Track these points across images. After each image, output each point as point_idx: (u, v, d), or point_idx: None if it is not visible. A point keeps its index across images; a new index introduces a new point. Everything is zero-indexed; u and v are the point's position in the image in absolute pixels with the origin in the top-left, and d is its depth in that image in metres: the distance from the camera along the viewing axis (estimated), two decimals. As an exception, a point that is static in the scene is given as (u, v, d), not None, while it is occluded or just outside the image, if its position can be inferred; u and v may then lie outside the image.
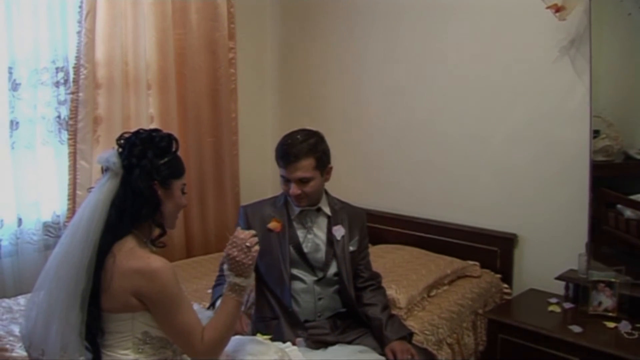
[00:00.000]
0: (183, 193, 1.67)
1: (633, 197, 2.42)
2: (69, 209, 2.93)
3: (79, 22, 2.82)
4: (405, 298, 2.40)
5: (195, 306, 2.28)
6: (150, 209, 1.58)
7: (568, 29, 2.50)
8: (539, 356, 2.24)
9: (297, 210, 2.13)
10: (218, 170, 3.46)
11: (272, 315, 2.08)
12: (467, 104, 2.91)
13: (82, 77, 2.85)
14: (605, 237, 2.49)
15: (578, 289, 2.46)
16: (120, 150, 1.58)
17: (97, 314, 1.53)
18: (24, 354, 1.78)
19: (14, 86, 2.76)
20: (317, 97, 3.58)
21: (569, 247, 2.53)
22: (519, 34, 2.69)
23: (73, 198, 2.92)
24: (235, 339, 1.76)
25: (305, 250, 2.12)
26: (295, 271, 2.09)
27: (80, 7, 2.81)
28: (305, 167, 2.02)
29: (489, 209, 2.87)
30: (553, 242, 2.66)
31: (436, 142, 3.05)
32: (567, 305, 2.44)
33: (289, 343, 1.90)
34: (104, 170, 1.58)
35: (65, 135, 2.94)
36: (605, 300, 2.32)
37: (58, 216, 3.01)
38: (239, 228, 1.71)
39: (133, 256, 1.52)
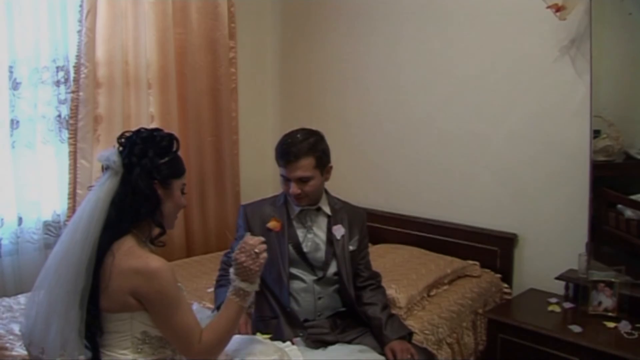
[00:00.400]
0: (183, 193, 1.67)
1: (633, 197, 2.41)
2: (69, 208, 2.93)
3: (80, 21, 2.83)
4: (405, 297, 2.40)
5: (195, 305, 2.29)
6: (150, 208, 1.58)
7: (568, 29, 2.50)
8: (539, 356, 2.23)
9: (296, 209, 2.13)
10: (218, 169, 3.46)
11: (272, 315, 2.08)
12: (467, 104, 2.91)
13: (83, 76, 2.86)
14: (606, 237, 2.48)
15: (578, 289, 2.46)
16: (120, 149, 1.59)
17: (96, 313, 1.53)
18: (24, 352, 1.79)
19: (15, 85, 2.77)
20: (317, 96, 3.58)
21: (569, 246, 2.53)
22: (519, 34, 2.69)
23: (73, 197, 2.92)
24: (234, 338, 1.76)
25: (305, 249, 2.12)
26: (294, 270, 2.09)
27: (81, 6, 2.82)
28: (305, 166, 2.02)
29: (489, 208, 2.87)
30: (553, 241, 2.66)
31: (436, 142, 3.05)
32: (567, 305, 2.44)
33: (288, 342, 1.90)
34: (104, 168, 1.58)
35: (65, 134, 2.94)
36: (605, 300, 2.32)
37: (58, 215, 3.01)
38: (248, 234, 1.72)
39: (132, 255, 1.52)
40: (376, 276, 2.24)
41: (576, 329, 2.21)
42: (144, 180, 1.56)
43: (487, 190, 2.88)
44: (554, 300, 2.49)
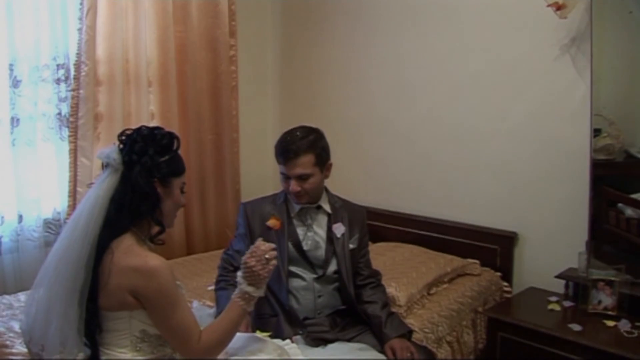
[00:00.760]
0: (182, 192, 1.67)
1: (634, 195, 2.41)
2: (69, 206, 2.93)
3: (80, 19, 2.83)
4: (405, 296, 2.40)
5: (195, 303, 2.29)
6: (150, 206, 1.58)
7: (569, 27, 2.49)
8: (539, 354, 2.23)
9: (297, 207, 2.13)
10: (219, 167, 3.46)
11: (272, 313, 2.08)
12: (468, 103, 2.91)
13: (83, 74, 2.86)
14: (606, 235, 2.48)
15: (578, 288, 2.46)
16: (121, 146, 1.59)
17: (95, 311, 1.53)
18: (24, 350, 1.79)
19: (15, 83, 2.76)
20: (318, 94, 3.58)
21: (569, 245, 2.53)
22: (519, 33, 2.68)
23: (73, 195, 2.92)
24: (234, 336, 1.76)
25: (305, 247, 2.12)
26: (294, 269, 2.10)
27: (81, 4, 2.82)
28: (305, 163, 2.02)
29: (490, 207, 2.87)
30: (553, 240, 2.66)
31: (436, 141, 3.05)
32: (567, 303, 2.44)
33: (288, 340, 1.90)
34: (104, 166, 1.58)
35: (65, 132, 2.94)
36: (605, 299, 2.32)
37: (58, 213, 3.01)
38: (260, 239, 1.73)
39: (131, 254, 1.52)
40: (376, 274, 2.24)
41: (576, 327, 2.21)
42: (144, 178, 1.56)
43: (487, 189, 2.87)
44: (553, 298, 2.48)
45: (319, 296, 2.11)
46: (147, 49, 3.09)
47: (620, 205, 2.45)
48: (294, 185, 2.04)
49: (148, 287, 1.50)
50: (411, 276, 2.55)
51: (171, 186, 1.62)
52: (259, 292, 1.66)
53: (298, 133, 2.05)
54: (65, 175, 2.93)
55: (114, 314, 1.53)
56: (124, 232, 1.55)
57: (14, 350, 1.94)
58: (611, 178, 2.49)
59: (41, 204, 2.95)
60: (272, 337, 1.89)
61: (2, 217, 2.85)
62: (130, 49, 3.03)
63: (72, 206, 2.90)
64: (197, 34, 3.27)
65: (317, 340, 2.02)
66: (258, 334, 1.88)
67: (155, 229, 1.63)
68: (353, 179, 3.30)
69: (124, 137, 1.61)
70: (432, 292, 2.58)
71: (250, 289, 1.64)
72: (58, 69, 2.88)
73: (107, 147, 1.59)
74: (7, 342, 1.99)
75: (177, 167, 1.64)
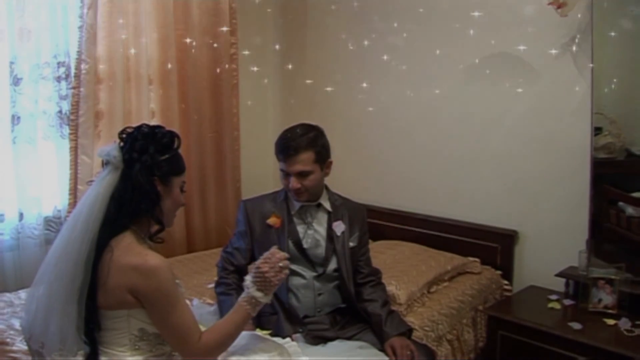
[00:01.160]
0: (182, 191, 1.67)
1: (635, 194, 2.41)
2: (70, 204, 2.92)
3: (81, 16, 2.82)
4: (405, 294, 2.40)
5: (195, 301, 2.29)
6: (150, 205, 1.58)
7: (570, 25, 2.49)
8: (539, 353, 2.24)
9: (297, 205, 2.13)
10: (219, 165, 3.46)
11: (271, 311, 2.08)
12: (468, 101, 2.91)
13: (84, 72, 2.85)
14: (606, 234, 2.48)
15: (578, 286, 2.46)
16: (121, 144, 1.59)
17: (94, 309, 1.53)
18: (25, 347, 1.79)
19: (16, 81, 2.76)
20: (318, 92, 3.57)
21: (569, 243, 2.53)
22: (520, 30, 2.68)
23: (74, 193, 2.92)
24: None
25: (305, 246, 2.13)
26: (294, 267, 2.09)
27: (82, 1, 2.81)
28: (305, 160, 2.02)
29: (490, 205, 2.87)
30: (554, 238, 2.66)
31: (437, 139, 3.05)
32: (567, 302, 2.44)
33: (288, 339, 1.90)
34: (105, 163, 1.58)
35: (66, 130, 2.93)
36: (605, 297, 2.32)
37: (59, 211, 3.00)
38: (275, 247, 1.74)
39: (130, 252, 1.52)
40: (376, 273, 2.24)
41: (576, 326, 2.21)
42: (144, 176, 1.55)
43: (488, 187, 2.87)
44: (554, 297, 2.49)
45: (319, 294, 2.11)
46: (148, 47, 3.08)
47: (620, 203, 2.45)
48: (294, 182, 2.04)
49: (147, 286, 1.49)
50: (411, 274, 2.55)
51: (171, 185, 1.62)
52: (267, 299, 1.66)
53: (298, 130, 2.05)
54: (66, 173, 2.93)
55: (113, 313, 1.53)
56: (124, 230, 1.55)
57: (14, 348, 1.94)
58: (612, 176, 2.49)
59: (42, 202, 2.94)
60: (272, 335, 1.89)
61: (3, 215, 2.84)
62: (130, 47, 3.03)
63: (73, 204, 2.89)
64: (198, 32, 3.26)
65: (317, 339, 2.02)
66: (258, 332, 1.88)
67: (155, 227, 1.63)
68: (353, 176, 3.30)
69: (124, 135, 1.61)
70: (432, 290, 2.58)
71: (258, 294, 1.65)
72: (59, 67, 2.88)
73: (108, 145, 1.59)
74: (8, 340, 1.99)
75: (177, 166, 1.64)
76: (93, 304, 1.52)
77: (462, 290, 2.61)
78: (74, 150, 2.90)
